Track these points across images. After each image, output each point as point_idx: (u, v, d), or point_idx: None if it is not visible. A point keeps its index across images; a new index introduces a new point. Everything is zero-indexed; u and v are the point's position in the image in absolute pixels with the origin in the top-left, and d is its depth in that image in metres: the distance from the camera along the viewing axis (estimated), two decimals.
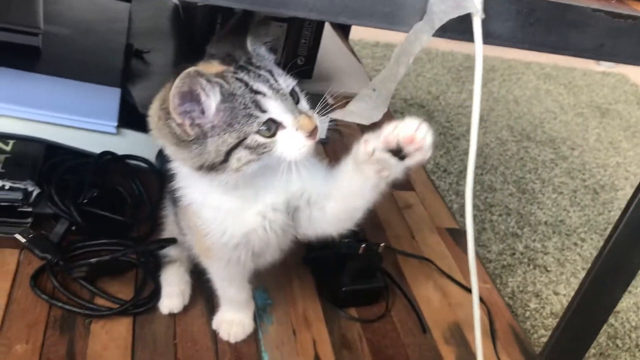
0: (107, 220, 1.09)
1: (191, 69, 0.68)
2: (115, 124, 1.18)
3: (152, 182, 1.20)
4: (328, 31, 1.83)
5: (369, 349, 1.02)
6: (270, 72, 0.76)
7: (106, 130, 1.18)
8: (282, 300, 1.07)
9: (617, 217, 0.90)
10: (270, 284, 1.08)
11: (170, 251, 1.03)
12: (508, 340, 1.10)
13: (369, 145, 0.73)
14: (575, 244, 1.83)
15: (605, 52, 0.69)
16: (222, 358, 0.94)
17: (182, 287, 1.01)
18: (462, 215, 1.81)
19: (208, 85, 0.70)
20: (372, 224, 1.28)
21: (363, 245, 1.06)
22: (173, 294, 1.00)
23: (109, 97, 1.21)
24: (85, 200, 1.08)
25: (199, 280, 1.02)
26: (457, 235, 1.32)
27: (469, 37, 0.64)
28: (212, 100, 0.71)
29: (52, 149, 1.15)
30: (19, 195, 1.03)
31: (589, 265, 0.96)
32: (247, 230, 0.83)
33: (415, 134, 0.70)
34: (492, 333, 1.10)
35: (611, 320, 1.59)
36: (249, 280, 0.96)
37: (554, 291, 1.63)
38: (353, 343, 1.02)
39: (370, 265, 1.08)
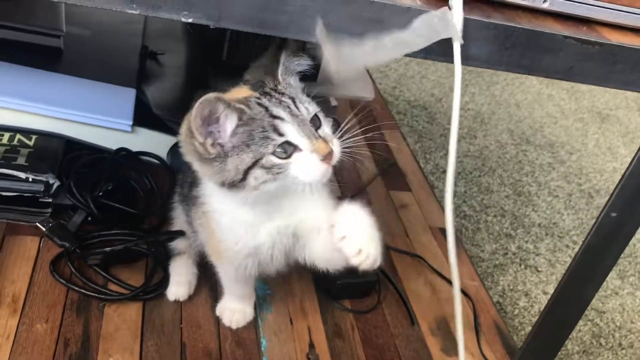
0: (120, 212, 1.17)
1: (211, 95, 0.75)
2: (131, 122, 1.26)
3: (163, 177, 1.28)
4: None
5: (360, 338, 1.10)
6: (293, 99, 0.82)
7: (122, 128, 1.26)
8: (281, 292, 1.15)
9: None
10: (270, 276, 1.16)
11: (179, 244, 1.11)
12: (491, 335, 1.18)
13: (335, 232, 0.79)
14: (567, 246, 1.90)
15: (575, 74, 0.76)
16: (224, 342, 1.03)
17: (189, 277, 1.09)
18: (457, 216, 1.90)
19: (227, 110, 0.77)
20: None
21: None
22: (180, 282, 1.08)
23: (125, 97, 1.29)
24: (101, 193, 1.16)
25: (204, 271, 1.10)
26: None
27: (449, 59, 0.71)
28: (229, 124, 0.78)
29: (71, 145, 1.23)
30: (40, 187, 1.12)
31: None
32: (257, 244, 0.90)
33: (357, 256, 0.78)
34: (476, 327, 1.18)
35: (596, 320, 1.66)
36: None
37: (543, 291, 1.70)
38: (345, 332, 1.10)
39: None
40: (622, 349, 1.59)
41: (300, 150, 0.79)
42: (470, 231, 1.85)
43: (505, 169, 2.20)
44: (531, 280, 1.73)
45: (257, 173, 0.79)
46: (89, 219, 1.14)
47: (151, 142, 1.29)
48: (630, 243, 1.13)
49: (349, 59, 0.73)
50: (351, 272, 1.14)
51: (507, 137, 2.40)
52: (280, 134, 0.79)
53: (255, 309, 1.09)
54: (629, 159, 0.84)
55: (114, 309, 1.03)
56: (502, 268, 1.75)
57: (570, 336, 1.19)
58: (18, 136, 1.19)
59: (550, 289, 1.72)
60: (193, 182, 0.98)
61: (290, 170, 0.79)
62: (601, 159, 2.43)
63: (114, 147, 1.27)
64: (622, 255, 0.99)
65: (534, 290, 1.70)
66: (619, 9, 0.75)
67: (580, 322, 1.60)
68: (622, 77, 0.76)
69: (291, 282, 1.17)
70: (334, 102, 1.57)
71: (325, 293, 1.16)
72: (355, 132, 0.86)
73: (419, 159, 2.01)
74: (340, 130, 0.85)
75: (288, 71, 0.85)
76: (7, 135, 1.19)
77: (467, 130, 2.32)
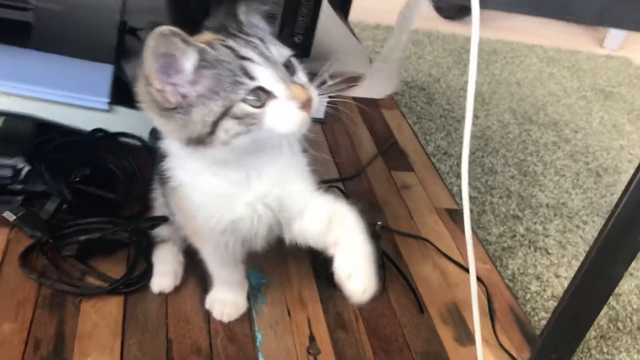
0: (98, 199, 1.07)
1: (164, 28, 0.65)
2: (107, 100, 1.16)
3: (146, 160, 1.18)
4: (328, 10, 1.80)
5: (365, 329, 1.00)
6: (262, 39, 0.73)
7: (98, 106, 1.17)
8: (276, 280, 1.05)
9: None
10: (264, 263, 1.06)
11: (163, 231, 1.01)
12: (507, 321, 1.08)
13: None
14: (577, 226, 1.81)
15: (609, 19, 0.66)
16: (215, 338, 0.93)
17: (174, 267, 0.99)
18: (474, 197, 1.80)
19: (185, 47, 0.67)
20: (369, 204, 1.26)
21: None
22: (165, 273, 0.98)
23: (101, 74, 1.19)
24: (78, 179, 1.06)
25: (191, 259, 1.00)
26: (455, 216, 1.30)
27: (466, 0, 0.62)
28: (188, 63, 0.68)
29: (43, 126, 1.13)
30: (8, 173, 1.02)
31: None
32: (235, 218, 0.81)
33: (361, 295, 0.74)
34: (490, 313, 1.08)
35: (612, 302, 1.57)
36: (243, 260, 0.94)
37: (555, 274, 1.61)
38: (349, 323, 1.00)
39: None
40: None
41: (275, 97, 0.70)
42: (476, 213, 1.75)
43: (509, 148, 2.10)
44: (542, 263, 1.63)
45: (227, 124, 0.69)
46: (64, 206, 1.04)
47: (131, 122, 1.19)
48: None
49: (392, 63, 0.70)
50: None
51: (509, 116, 2.31)
52: (251, 78, 0.69)
53: (248, 299, 0.99)
54: (635, 136, 0.75)
55: (91, 304, 0.93)
56: (511, 251, 1.65)
57: None
58: None
59: (562, 272, 1.62)
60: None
61: (265, 120, 0.70)
62: (607, 137, 2.33)
63: (90, 128, 1.16)
64: None
65: (546, 274, 1.60)
66: None
67: None
68: None
69: (287, 269, 1.07)
70: (329, 82, 1.48)
71: (326, 280, 1.06)
72: (337, 84, 0.77)
73: (420, 141, 1.91)
74: (319, 79, 0.76)
75: (251, 11, 0.76)
76: None
77: None
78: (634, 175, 0.84)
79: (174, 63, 0.68)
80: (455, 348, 1.00)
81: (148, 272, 0.98)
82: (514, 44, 2.91)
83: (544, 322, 1.45)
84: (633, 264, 1.70)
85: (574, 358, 1.33)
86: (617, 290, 1.61)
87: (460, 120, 2.17)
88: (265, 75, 0.70)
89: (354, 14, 2.26)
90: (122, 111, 1.18)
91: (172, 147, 0.80)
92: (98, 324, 0.90)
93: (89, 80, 1.17)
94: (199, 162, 0.76)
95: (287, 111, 0.71)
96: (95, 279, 0.96)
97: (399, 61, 0.71)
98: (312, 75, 0.78)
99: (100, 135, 1.16)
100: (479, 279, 1.15)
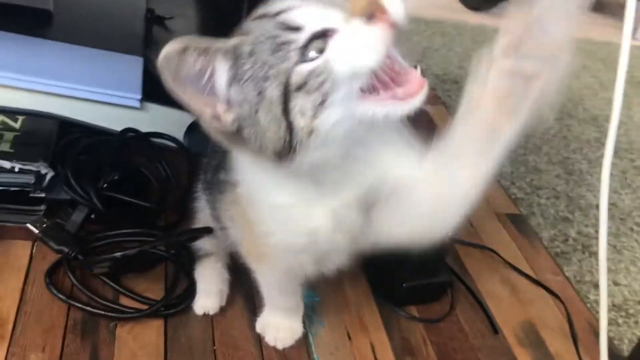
0: (130, 207, 0.95)
1: (170, 47, 0.52)
2: (140, 97, 1.04)
3: (181, 163, 1.07)
4: None
5: (435, 354, 0.88)
6: None
7: (129, 104, 1.05)
8: (332, 300, 0.94)
9: None
10: (316, 280, 0.94)
11: (206, 244, 0.89)
12: (589, 342, 0.97)
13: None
14: (631, 229, 1.68)
15: None
16: None
17: (220, 285, 0.88)
18: (521, 199, 1.68)
19: (205, 59, 0.54)
20: None
21: None
22: (209, 292, 0.87)
23: (131, 67, 1.08)
24: (106, 185, 0.95)
25: (237, 274, 0.88)
26: (519, 222, 1.20)
27: None
28: (223, 75, 0.55)
29: (67, 126, 1.02)
30: (30, 179, 0.91)
31: None
32: (315, 228, 0.65)
33: None
34: (572, 334, 0.96)
35: None
36: (302, 283, 0.82)
37: (614, 281, 1.49)
38: (417, 347, 0.89)
39: (434, 256, 0.95)
40: None
41: (334, 30, 0.52)
42: (524, 216, 1.63)
43: (552, 145, 1.98)
44: (598, 270, 1.51)
45: (298, 104, 0.53)
46: (92, 216, 0.93)
47: (164, 121, 1.08)
48: None
49: None
50: (419, 271, 0.94)
51: (547, 111, 2.18)
52: (297, 28, 0.52)
53: (303, 322, 0.87)
54: None
55: (128, 329, 0.82)
56: (565, 257, 1.53)
57: None
58: (0, 117, 0.98)
59: (621, 279, 1.50)
60: (219, 165, 0.76)
61: (333, 66, 0.51)
62: None
63: (120, 128, 1.05)
64: None
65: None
66: None
67: None
68: None
69: (343, 289, 0.96)
70: None
71: (386, 299, 0.94)
72: None
73: None
74: None
75: None
76: None
77: None
78: None
79: (204, 81, 0.55)
80: None
81: (190, 291, 0.87)
82: None
83: (611, 334, 1.34)
84: None
85: None
86: None
87: None
88: (310, 14, 0.53)
89: None
90: (155, 109, 1.07)
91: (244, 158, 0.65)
92: (136, 353, 0.79)
93: (117, 75, 1.05)
94: (280, 177, 0.62)
95: (357, 36, 0.52)
96: (131, 300, 0.84)
97: None
98: None
99: (131, 136, 1.04)
100: (554, 294, 1.04)
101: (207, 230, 0.88)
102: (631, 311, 1.41)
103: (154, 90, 1.07)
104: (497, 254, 1.08)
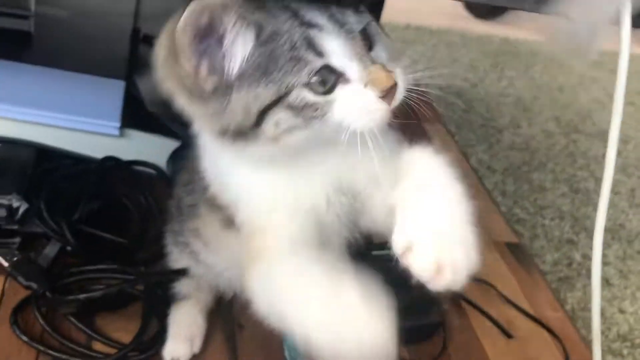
0: (107, 240, 0.91)
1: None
2: (118, 124, 1.01)
3: (163, 191, 1.02)
4: None
5: None
6: None
7: (108, 131, 1.02)
8: None
9: None
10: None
11: (183, 286, 0.85)
12: None
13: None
14: (639, 252, 1.63)
15: None
16: None
17: (192, 330, 0.82)
18: (524, 220, 1.63)
19: (239, 23, 0.51)
20: None
21: None
22: (180, 337, 0.81)
23: (112, 92, 1.05)
24: (81, 217, 0.91)
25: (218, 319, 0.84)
26: (518, 252, 1.15)
27: None
28: (240, 45, 0.52)
29: (44, 155, 0.99)
30: (2, 213, 0.87)
31: None
32: (306, 202, 0.62)
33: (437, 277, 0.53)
34: None
35: None
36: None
37: (619, 309, 1.44)
38: None
39: (425, 296, 0.90)
40: None
41: (348, 80, 0.54)
42: (527, 239, 1.58)
43: (557, 162, 1.93)
44: (603, 296, 1.45)
45: (279, 116, 0.53)
46: (68, 249, 0.89)
47: (146, 148, 1.04)
48: None
49: None
50: (408, 312, 0.89)
51: (553, 125, 2.14)
52: (319, 53, 0.52)
53: None
54: None
55: None
56: (569, 282, 1.48)
57: None
58: None
59: (627, 306, 1.45)
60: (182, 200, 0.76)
61: (332, 112, 0.54)
62: None
63: (99, 156, 1.02)
64: None
65: (609, 309, 1.43)
66: None
67: None
68: None
69: None
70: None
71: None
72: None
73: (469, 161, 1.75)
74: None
75: None
76: None
77: (509, 119, 2.06)
78: None
79: (218, 39, 0.52)
80: None
81: (161, 335, 0.82)
82: None
83: None
84: None
85: None
86: None
87: (502, 130, 2.01)
88: (336, 49, 0.53)
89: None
90: (136, 136, 1.03)
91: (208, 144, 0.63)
92: None
93: (97, 101, 1.02)
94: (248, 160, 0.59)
95: (364, 101, 0.54)
96: (102, 344, 0.80)
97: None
98: None
99: (110, 165, 1.01)
100: (551, 332, 0.99)
101: (183, 272, 0.84)
102: (637, 341, 1.36)
103: (135, 116, 1.04)
104: (495, 288, 1.04)
